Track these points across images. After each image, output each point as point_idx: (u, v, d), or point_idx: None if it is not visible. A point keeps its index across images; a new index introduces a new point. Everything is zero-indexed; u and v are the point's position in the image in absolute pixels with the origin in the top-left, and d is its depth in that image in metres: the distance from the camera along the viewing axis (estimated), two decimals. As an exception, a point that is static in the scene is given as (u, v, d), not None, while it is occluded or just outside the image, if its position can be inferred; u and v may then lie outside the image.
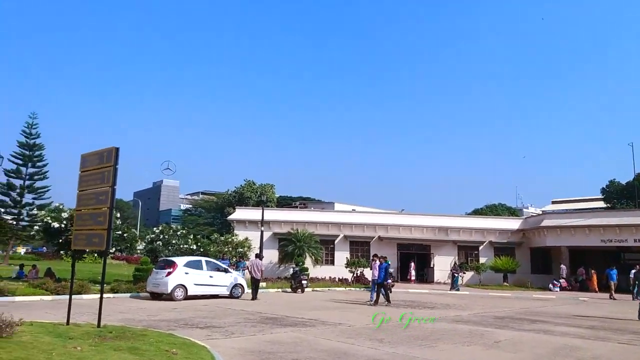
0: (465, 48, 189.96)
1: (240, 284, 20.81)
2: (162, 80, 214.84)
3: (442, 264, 35.33)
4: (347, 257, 35.30)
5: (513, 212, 58.84)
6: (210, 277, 19.91)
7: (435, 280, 35.41)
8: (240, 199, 73.05)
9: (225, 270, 20.94)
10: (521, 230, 36.78)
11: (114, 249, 25.05)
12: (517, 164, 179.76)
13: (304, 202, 73.01)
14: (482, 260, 35.96)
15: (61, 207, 24.81)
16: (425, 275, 36.74)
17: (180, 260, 19.66)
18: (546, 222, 34.26)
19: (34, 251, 60.46)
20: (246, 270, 25.30)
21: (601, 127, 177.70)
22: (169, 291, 18.53)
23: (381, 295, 19.45)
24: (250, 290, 20.62)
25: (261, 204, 32.07)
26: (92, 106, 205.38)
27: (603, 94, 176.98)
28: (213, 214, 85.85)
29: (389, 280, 26.68)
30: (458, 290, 28.95)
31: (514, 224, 38.24)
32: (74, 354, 6.48)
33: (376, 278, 19.46)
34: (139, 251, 30.85)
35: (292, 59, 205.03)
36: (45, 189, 39.31)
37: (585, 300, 25.45)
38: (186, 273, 19.15)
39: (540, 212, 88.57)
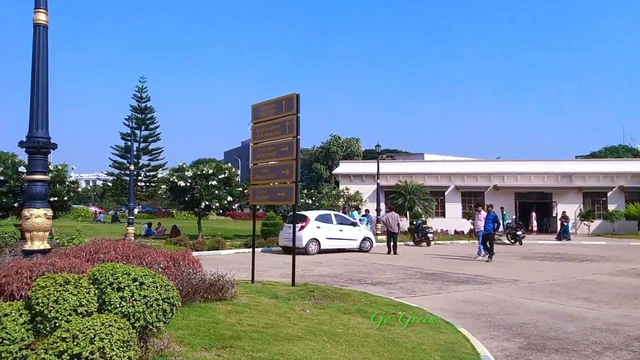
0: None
1: (369, 238, 20.28)
2: (242, 38, 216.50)
3: (567, 212, 32.73)
4: (461, 209, 33.94)
5: (637, 154, 53.18)
6: (340, 230, 19.49)
7: (559, 229, 32.99)
8: (327, 154, 72.79)
9: (354, 224, 20.42)
10: (658, 174, 33.01)
11: (237, 204, 25.29)
12: (620, 100, 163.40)
13: (392, 155, 70.98)
14: (610, 207, 32.88)
15: (184, 166, 25.36)
16: (546, 225, 34.39)
17: (312, 215, 19.34)
18: (691, 163, 30.39)
19: (146, 210, 64.33)
20: (370, 224, 24.76)
21: None
22: (304, 245, 18.34)
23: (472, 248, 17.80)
24: (384, 244, 20.00)
25: (377, 157, 31.02)
26: (179, 67, 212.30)
27: None
28: (301, 170, 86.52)
29: (519, 232, 25.14)
30: (569, 239, 26.77)
31: (648, 166, 34.40)
32: (310, 317, 5.94)
33: (480, 229, 17.61)
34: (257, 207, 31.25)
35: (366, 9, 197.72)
36: (159, 150, 40.97)
37: None
38: (318, 227, 18.85)
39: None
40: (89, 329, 2.67)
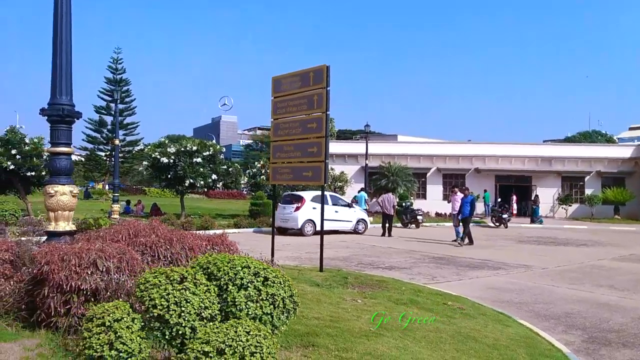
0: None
1: (363, 219, 20.00)
2: (223, 15, 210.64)
3: (545, 196, 33.30)
4: (442, 191, 34.15)
5: (609, 140, 54.48)
6: (336, 212, 19.10)
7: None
8: (302, 132, 71.99)
9: (349, 205, 20.06)
10: (634, 159, 33.82)
11: (221, 183, 24.52)
12: (585, 90, 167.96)
13: (366, 135, 70.75)
14: (587, 191, 33.65)
15: (165, 142, 24.37)
16: (524, 209, 34.95)
17: (307, 195, 18.85)
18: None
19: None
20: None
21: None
22: (299, 226, 17.95)
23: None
24: (374, 226, 19.74)
25: (366, 137, 30.73)
26: (152, 37, 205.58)
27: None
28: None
29: (505, 215, 25.30)
30: (541, 222, 27.25)
31: (625, 151, 35.15)
32: (366, 309, 5.57)
33: (455, 212, 16.99)
34: (242, 185, 30.48)
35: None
36: (135, 125, 39.43)
37: None
38: (314, 208, 18.34)
39: (617, 139, 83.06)
40: (234, 340, 2.14)
